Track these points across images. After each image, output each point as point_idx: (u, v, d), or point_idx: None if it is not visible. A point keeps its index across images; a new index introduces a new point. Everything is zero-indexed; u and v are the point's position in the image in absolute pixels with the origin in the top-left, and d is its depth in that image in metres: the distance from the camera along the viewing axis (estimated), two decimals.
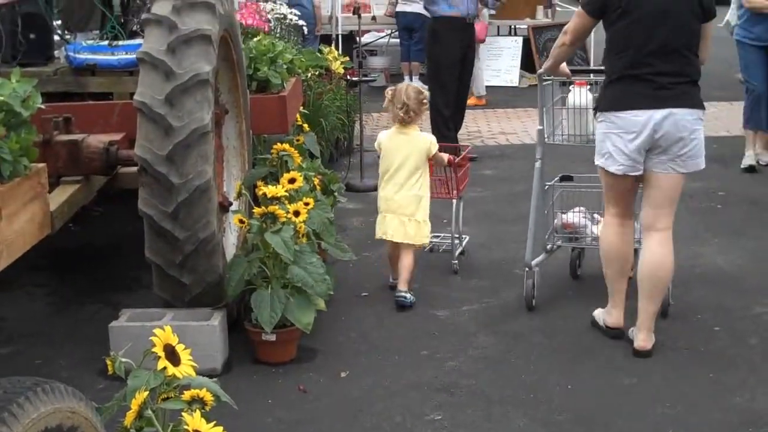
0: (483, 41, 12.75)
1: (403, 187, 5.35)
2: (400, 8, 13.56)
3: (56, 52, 6.18)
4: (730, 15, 8.76)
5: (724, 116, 11.26)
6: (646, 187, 4.65)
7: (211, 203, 4.15)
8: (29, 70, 5.62)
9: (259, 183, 4.87)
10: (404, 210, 5.35)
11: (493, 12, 14.54)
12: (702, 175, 7.37)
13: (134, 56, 4.46)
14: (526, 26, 14.99)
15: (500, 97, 13.13)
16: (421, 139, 5.43)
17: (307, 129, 6.26)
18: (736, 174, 8.27)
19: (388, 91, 5.49)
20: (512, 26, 15.70)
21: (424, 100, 5.46)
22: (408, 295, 5.26)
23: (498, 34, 15.39)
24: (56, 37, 6.39)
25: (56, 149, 4.30)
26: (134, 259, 4.66)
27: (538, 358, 4.58)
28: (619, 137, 4.51)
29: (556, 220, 5.57)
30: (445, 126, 8.91)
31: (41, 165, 3.38)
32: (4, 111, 3.09)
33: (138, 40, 5.66)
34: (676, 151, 4.49)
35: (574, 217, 5.53)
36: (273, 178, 5.17)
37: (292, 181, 4.82)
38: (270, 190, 4.51)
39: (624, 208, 4.74)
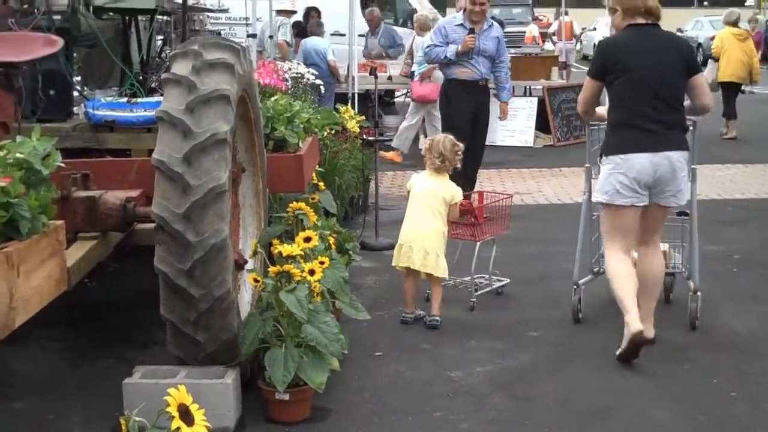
0: (433, 102, 12.41)
1: (424, 223, 5.93)
2: (415, 68, 13.69)
3: (75, 109, 6.25)
4: None
5: (739, 179, 11.28)
6: (644, 215, 5.40)
7: (226, 261, 4.16)
8: (49, 126, 5.70)
9: (275, 241, 4.88)
10: (424, 242, 5.88)
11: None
12: (718, 238, 7.45)
13: (153, 113, 4.50)
14: (541, 87, 15.08)
15: (515, 157, 13.18)
16: (448, 187, 6.02)
17: (323, 187, 6.28)
18: (752, 237, 8.25)
19: (426, 142, 6.15)
20: (527, 87, 15.81)
21: (459, 152, 6.04)
22: (438, 318, 5.89)
23: (513, 95, 15.49)
24: (76, 94, 6.47)
25: (74, 205, 4.33)
26: (149, 316, 4.68)
27: (553, 424, 4.54)
28: (624, 176, 5.24)
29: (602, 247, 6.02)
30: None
31: (59, 222, 3.40)
32: (24, 168, 3.12)
33: (157, 98, 5.73)
34: (672, 187, 5.32)
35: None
36: (288, 237, 5.18)
37: (307, 239, 4.84)
38: (285, 249, 4.52)
39: (628, 243, 5.46)
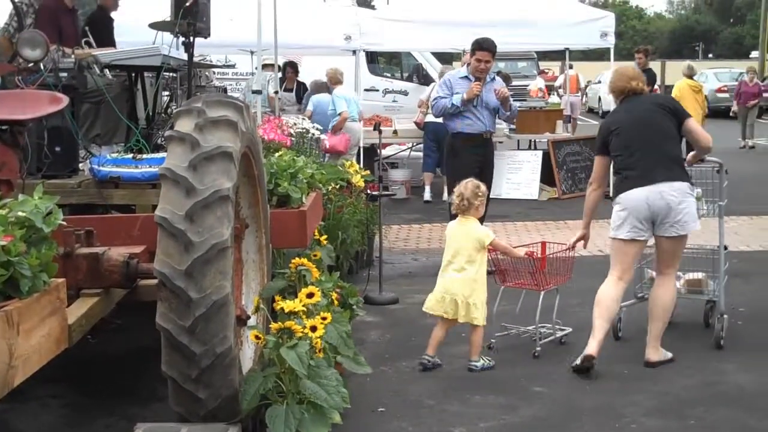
0: (344, 153, 12.64)
1: (459, 272, 6.10)
2: (429, 118, 13.83)
3: (81, 165, 6.30)
4: None
5: (744, 231, 11.27)
6: (657, 248, 6.28)
7: (228, 318, 4.15)
8: (54, 183, 5.76)
9: (277, 297, 4.88)
10: (460, 291, 6.06)
11: (513, 126, 14.78)
12: (725, 289, 7.40)
13: (157, 170, 4.53)
14: (546, 140, 15.15)
15: (520, 210, 13.21)
16: (477, 231, 6.19)
17: (324, 242, 6.29)
18: (757, 290, 8.23)
19: (460, 186, 6.37)
20: (532, 140, 15.89)
21: (479, 193, 6.28)
22: (477, 364, 6.13)
23: (518, 148, 15.58)
24: (81, 150, 6.52)
25: (77, 262, 4.34)
26: (151, 372, 4.66)
27: None
28: (626, 212, 6.14)
29: (647, 274, 7.03)
30: None
31: (60, 280, 3.41)
32: (25, 227, 3.14)
33: (162, 154, 5.76)
34: (669, 218, 6.05)
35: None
36: (292, 292, 5.19)
37: (310, 295, 4.83)
38: (287, 305, 4.52)
39: (623, 272, 6.29)
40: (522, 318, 6.82)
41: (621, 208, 6.20)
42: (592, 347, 5.98)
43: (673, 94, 16.85)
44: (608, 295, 6.22)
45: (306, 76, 16.13)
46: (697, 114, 15.95)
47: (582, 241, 6.82)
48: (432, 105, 9.31)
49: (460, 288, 6.07)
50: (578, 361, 5.97)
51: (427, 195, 14.09)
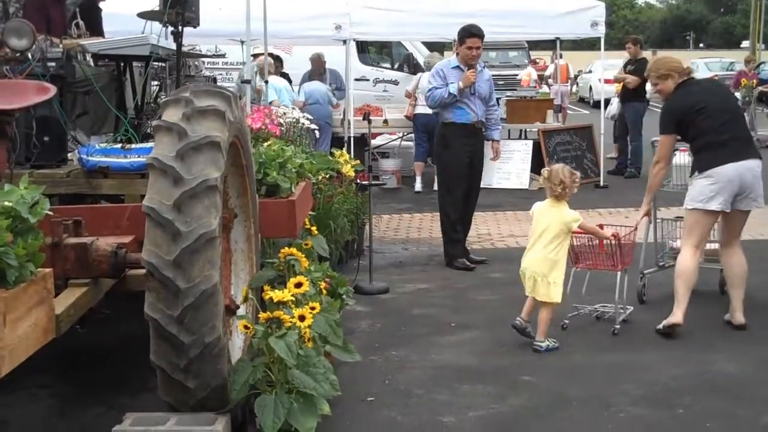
0: None
1: (542, 250, 6.32)
2: (419, 110, 13.83)
3: (69, 155, 6.28)
4: None
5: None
6: (729, 220, 6.77)
7: (217, 308, 4.15)
8: (42, 172, 5.75)
9: (266, 287, 4.88)
10: (540, 270, 6.29)
11: (503, 116, 14.77)
12: (714, 279, 7.43)
13: (145, 160, 4.52)
14: (536, 130, 15.16)
15: (511, 200, 13.22)
16: (567, 214, 6.40)
17: (316, 232, 6.29)
18: (751, 279, 8.22)
19: (545, 171, 6.52)
20: (523, 130, 15.90)
21: (576, 180, 6.47)
22: (542, 344, 6.28)
23: (509, 138, 15.58)
24: (70, 140, 6.50)
25: (65, 252, 4.33)
26: (140, 362, 4.65)
27: None
28: (718, 186, 6.53)
29: (670, 244, 7.81)
30: (453, 229, 8.96)
31: (47, 270, 3.40)
32: (11, 217, 3.13)
33: (151, 144, 5.76)
34: (754, 192, 6.64)
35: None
36: (281, 282, 5.18)
37: (298, 285, 4.83)
38: (276, 295, 4.52)
39: (700, 242, 6.75)
40: (585, 299, 7.05)
41: (712, 182, 6.55)
42: (677, 316, 6.51)
43: (616, 87, 17.90)
44: (688, 267, 6.64)
45: (297, 66, 16.09)
46: None
47: (646, 218, 7.30)
48: (427, 96, 9.20)
49: (541, 266, 6.30)
50: (663, 326, 6.56)
51: (418, 185, 14.11)
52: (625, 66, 16.13)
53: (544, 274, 6.28)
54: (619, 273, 6.74)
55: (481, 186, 9.60)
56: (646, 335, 6.62)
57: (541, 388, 5.59)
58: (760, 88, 20.47)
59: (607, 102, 15.98)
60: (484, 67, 9.35)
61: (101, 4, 8.88)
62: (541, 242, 6.34)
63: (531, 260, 6.38)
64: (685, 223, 6.90)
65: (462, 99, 8.88)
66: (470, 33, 8.94)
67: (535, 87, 20.66)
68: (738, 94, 17.89)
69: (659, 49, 46.01)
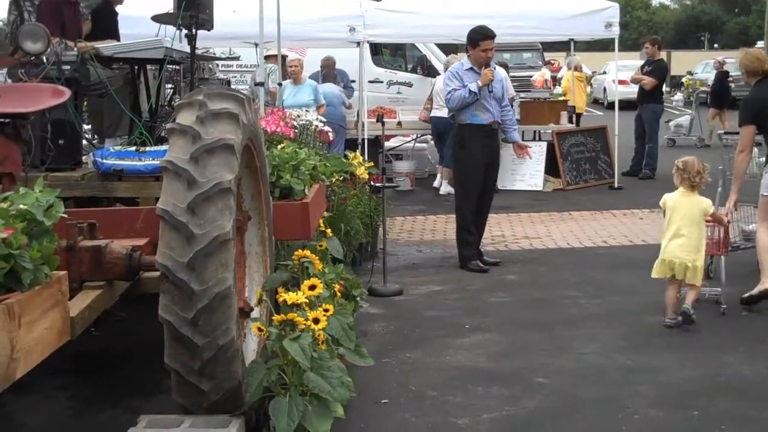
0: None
1: (686, 238, 6.78)
2: (433, 113, 13.82)
3: (84, 158, 6.31)
4: None
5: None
6: None
7: (231, 310, 4.16)
8: (57, 175, 5.77)
9: (280, 289, 4.89)
10: (688, 256, 6.75)
11: (517, 117, 14.73)
12: (727, 281, 7.40)
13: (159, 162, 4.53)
14: (550, 131, 15.13)
15: (524, 201, 13.20)
16: (702, 201, 6.94)
17: (330, 234, 6.30)
18: None
19: (679, 163, 7.00)
20: (537, 131, 15.87)
21: (707, 171, 6.98)
22: (691, 309, 6.74)
23: (523, 139, 15.54)
24: (85, 143, 6.53)
25: (80, 255, 4.34)
26: (155, 364, 4.67)
27: None
28: None
29: (742, 227, 8.41)
30: (468, 230, 8.94)
31: (62, 273, 3.41)
32: (26, 220, 3.15)
33: (165, 146, 5.78)
34: None
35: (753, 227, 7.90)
36: (295, 284, 5.19)
37: (312, 287, 4.84)
38: (290, 297, 4.53)
39: None
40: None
41: None
42: (765, 283, 7.16)
43: (562, 85, 19.58)
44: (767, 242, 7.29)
45: (311, 68, 16.11)
46: (582, 101, 19.20)
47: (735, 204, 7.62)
48: (447, 99, 9.01)
49: (688, 253, 6.76)
50: (757, 292, 7.18)
51: (444, 189, 13.88)
52: (642, 67, 16.09)
53: (693, 259, 6.75)
54: (723, 257, 7.37)
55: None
56: (660, 337, 6.60)
57: (555, 390, 5.58)
58: None
59: (622, 103, 15.89)
60: (496, 67, 9.33)
61: (117, 8, 8.91)
62: (684, 230, 6.80)
63: (677, 248, 6.80)
64: (761, 207, 7.48)
65: (480, 99, 8.85)
66: (485, 35, 8.92)
67: (549, 88, 20.61)
68: None
69: (674, 49, 45.92)
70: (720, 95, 20.80)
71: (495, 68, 9.23)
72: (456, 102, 8.86)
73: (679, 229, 6.82)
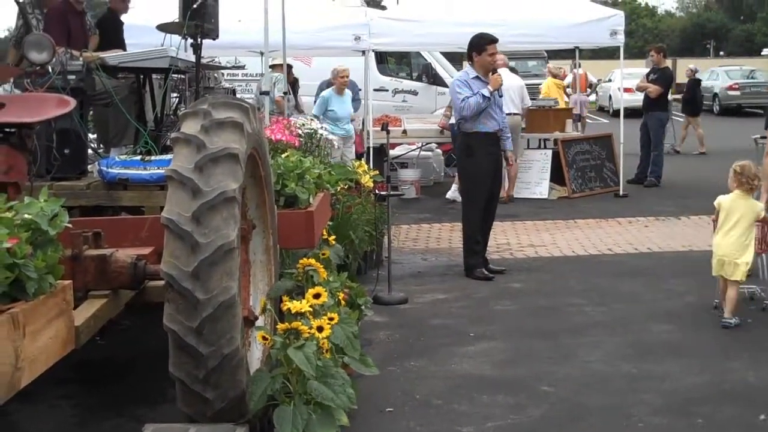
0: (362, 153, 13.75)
1: (737, 238, 7.14)
2: (453, 120, 13.84)
3: (90, 167, 6.33)
4: None
5: None
6: None
7: (235, 319, 4.17)
8: (62, 185, 5.79)
9: (285, 298, 4.90)
10: (735, 254, 7.10)
11: (523, 126, 14.75)
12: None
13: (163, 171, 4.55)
14: (555, 139, 15.13)
15: (529, 209, 13.19)
16: (756, 204, 7.28)
17: (333, 242, 6.30)
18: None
19: (736, 167, 7.26)
20: (542, 139, 15.86)
21: (760, 175, 7.33)
22: (732, 321, 7.01)
23: (528, 147, 15.55)
24: (90, 152, 6.54)
25: (85, 264, 4.35)
26: (159, 373, 4.68)
27: None
28: None
29: None
30: (474, 239, 8.94)
31: (67, 282, 3.43)
32: (31, 229, 3.16)
33: (170, 156, 5.79)
34: None
35: None
36: (299, 292, 5.20)
37: (316, 296, 4.85)
38: (294, 306, 4.54)
39: None
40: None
41: None
42: None
43: (543, 91, 20.16)
44: None
45: (317, 77, 16.15)
46: (563, 104, 19.18)
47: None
48: (462, 107, 8.86)
49: (736, 251, 7.11)
50: None
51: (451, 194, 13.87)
52: (647, 75, 16.09)
53: (739, 256, 7.08)
54: (765, 255, 7.76)
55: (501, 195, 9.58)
56: (665, 344, 6.60)
57: (560, 398, 5.58)
58: None
59: (628, 111, 15.87)
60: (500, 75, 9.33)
61: (122, 17, 8.95)
62: (736, 230, 7.14)
63: (727, 246, 7.16)
64: None
65: (489, 108, 8.86)
66: (490, 40, 8.95)
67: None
68: None
69: (679, 57, 45.87)
70: (692, 103, 20.79)
71: (500, 75, 9.25)
72: (472, 109, 8.79)
73: (732, 229, 7.16)
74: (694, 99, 20.85)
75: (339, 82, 13.32)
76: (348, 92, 13.57)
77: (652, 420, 5.19)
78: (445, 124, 14.53)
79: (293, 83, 15.53)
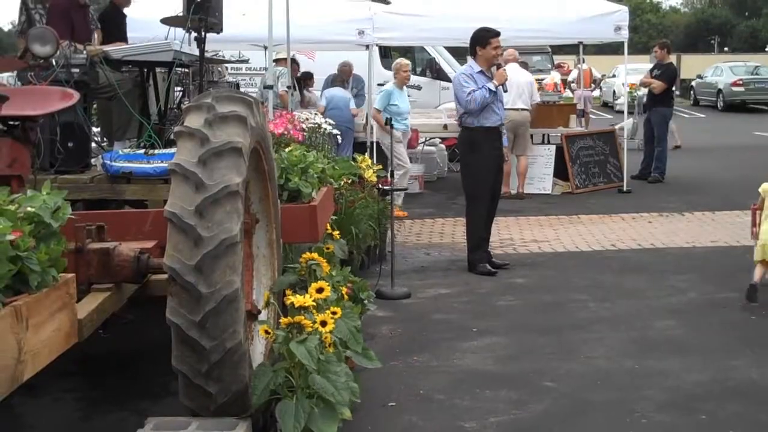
0: (415, 147, 14.05)
1: None
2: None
3: (93, 160, 6.33)
4: None
5: None
6: None
7: (238, 313, 4.16)
8: (66, 178, 5.79)
9: (287, 292, 4.89)
10: None
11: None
12: (736, 285, 7.41)
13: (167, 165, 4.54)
14: (559, 135, 15.12)
15: (533, 205, 13.19)
16: None
17: (337, 236, 6.30)
18: None
19: None
20: (545, 135, 15.85)
21: None
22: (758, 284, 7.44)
23: (531, 142, 15.53)
24: (93, 145, 6.55)
25: (88, 257, 4.35)
26: (162, 367, 4.68)
27: None
28: None
29: None
30: (478, 234, 8.93)
31: (70, 275, 3.42)
32: (34, 222, 3.15)
33: (174, 149, 5.78)
34: None
35: None
36: (302, 287, 5.19)
37: (319, 290, 4.84)
38: (297, 300, 4.53)
39: None
40: None
41: None
42: None
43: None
44: None
45: (321, 72, 16.15)
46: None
47: None
48: (468, 100, 8.80)
49: None
50: None
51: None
52: (651, 71, 16.08)
53: None
54: None
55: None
56: (669, 341, 6.59)
57: (563, 394, 5.58)
58: None
59: (630, 106, 15.87)
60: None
61: (125, 10, 8.95)
62: None
63: None
64: None
65: (493, 102, 8.86)
66: (494, 33, 8.96)
67: (559, 91, 20.59)
68: None
69: (683, 53, 45.79)
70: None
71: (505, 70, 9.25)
72: (479, 102, 8.77)
73: None
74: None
75: (402, 76, 13.11)
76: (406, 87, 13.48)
77: (655, 416, 5.18)
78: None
79: (304, 78, 15.54)
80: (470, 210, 9.08)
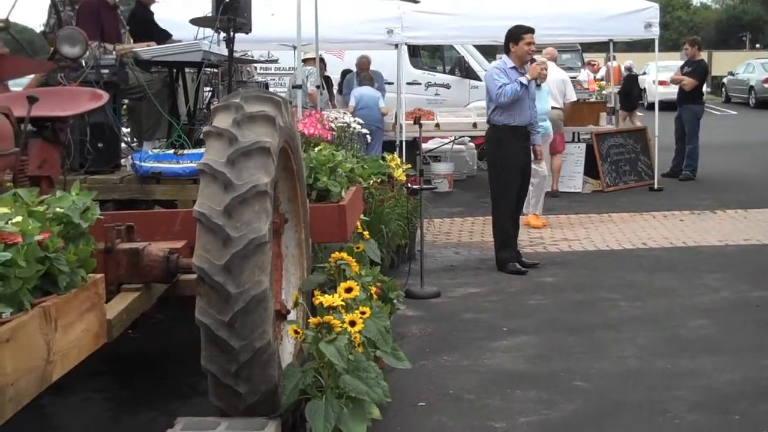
0: (561, 152, 13.78)
1: None
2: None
3: (123, 161, 6.35)
4: None
5: None
6: None
7: (267, 313, 4.16)
8: (96, 178, 5.81)
9: (316, 292, 4.88)
10: None
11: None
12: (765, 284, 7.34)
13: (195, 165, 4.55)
14: (589, 133, 15.03)
15: (563, 203, 13.12)
16: None
17: (368, 236, 6.28)
18: None
19: None
20: (576, 133, 15.76)
21: None
22: None
23: (564, 140, 15.46)
24: (123, 146, 6.57)
25: (118, 257, 4.36)
26: (191, 367, 4.68)
27: None
28: None
29: None
30: (506, 232, 8.90)
31: (99, 276, 3.42)
32: (63, 223, 3.16)
33: (203, 149, 5.79)
34: None
35: None
36: (332, 286, 5.18)
37: (348, 290, 4.83)
38: (326, 300, 4.52)
39: None
40: None
41: None
42: None
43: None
44: None
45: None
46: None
47: None
48: (499, 93, 8.76)
49: None
50: None
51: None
52: (682, 68, 15.96)
53: None
54: None
55: None
56: (700, 340, 6.53)
57: (594, 394, 5.53)
58: None
59: (663, 104, 15.74)
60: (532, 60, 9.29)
61: (152, 8, 8.96)
62: None
63: None
64: None
65: (525, 99, 8.81)
66: (527, 29, 8.94)
67: (589, 89, 20.47)
68: None
69: (714, 50, 45.44)
70: (629, 98, 20.53)
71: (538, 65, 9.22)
72: (510, 95, 8.74)
73: None
74: (630, 94, 20.61)
75: (542, 73, 12.96)
76: (545, 87, 13.05)
77: (688, 416, 5.13)
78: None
79: (326, 80, 15.57)
80: (496, 208, 9.05)
